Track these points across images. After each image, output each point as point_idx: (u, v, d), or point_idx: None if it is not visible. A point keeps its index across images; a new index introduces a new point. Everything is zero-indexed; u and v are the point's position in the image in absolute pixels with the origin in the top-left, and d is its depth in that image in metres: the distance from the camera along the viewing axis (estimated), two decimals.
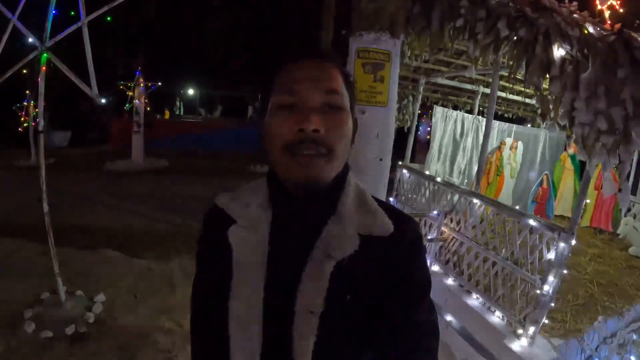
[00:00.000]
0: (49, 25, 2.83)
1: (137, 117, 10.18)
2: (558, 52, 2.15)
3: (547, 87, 2.33)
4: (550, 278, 3.07)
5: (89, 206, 6.80)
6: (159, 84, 10.06)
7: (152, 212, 6.66)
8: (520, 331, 3.20)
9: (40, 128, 3.14)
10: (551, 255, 3.12)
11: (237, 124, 15.86)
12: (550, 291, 3.10)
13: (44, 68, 2.89)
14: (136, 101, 9.79)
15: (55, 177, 8.22)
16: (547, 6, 2.26)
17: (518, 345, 3.13)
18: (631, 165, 1.99)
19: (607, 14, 4.11)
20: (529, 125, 7.86)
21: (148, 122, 10.73)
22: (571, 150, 6.58)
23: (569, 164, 6.64)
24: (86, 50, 2.88)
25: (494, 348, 3.27)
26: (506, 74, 4.31)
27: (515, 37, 2.32)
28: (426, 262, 0.83)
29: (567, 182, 6.65)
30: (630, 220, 5.50)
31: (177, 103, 16.49)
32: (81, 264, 4.22)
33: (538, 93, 2.32)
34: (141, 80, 9.87)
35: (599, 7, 4.13)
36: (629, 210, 5.95)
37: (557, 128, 2.39)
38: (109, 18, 8.71)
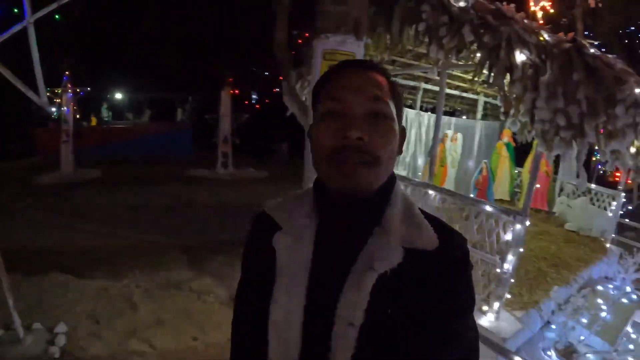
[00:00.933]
0: None
1: (65, 125, 9.36)
2: (519, 57, 2.37)
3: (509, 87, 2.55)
4: (510, 257, 3.37)
5: (22, 225, 6.19)
6: (88, 89, 9.34)
7: (92, 227, 6.24)
8: (485, 308, 3.49)
9: None
10: (509, 237, 3.43)
11: (168, 127, 15.33)
12: (510, 269, 3.41)
13: None
14: (64, 108, 8.98)
15: None
16: (507, 15, 2.47)
17: (486, 320, 3.41)
18: (585, 155, 2.27)
19: (539, 14, 4.55)
20: (464, 117, 8.42)
21: (77, 131, 9.93)
22: (506, 139, 7.16)
23: (504, 151, 7.20)
24: (32, 52, 2.61)
25: None
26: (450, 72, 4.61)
27: (478, 43, 2.50)
28: (471, 280, 0.80)
29: (504, 169, 7.22)
30: (565, 200, 6.14)
31: (104, 109, 15.43)
32: (31, 293, 3.86)
33: (502, 93, 2.53)
34: (69, 85, 9.09)
35: (533, 8, 4.54)
36: (561, 190, 6.63)
37: (518, 124, 2.62)
38: (57, 16, 7.88)
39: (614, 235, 5.64)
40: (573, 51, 2.24)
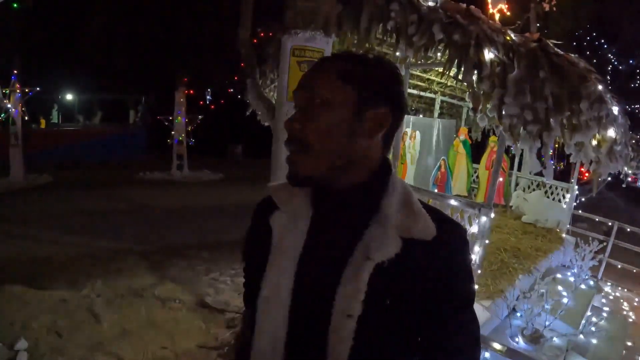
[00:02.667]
0: None
1: (13, 128, 8.76)
2: (488, 55, 2.46)
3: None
4: (476, 248, 3.48)
5: None
6: (37, 89, 8.77)
7: (46, 235, 5.91)
8: None
9: None
10: (474, 229, 3.55)
11: (120, 129, 14.84)
12: (478, 260, 3.52)
13: None
14: (13, 110, 8.38)
15: None
16: (475, 15, 2.56)
17: None
18: (550, 148, 2.40)
19: (497, 16, 4.76)
20: (421, 116, 8.63)
21: (26, 134, 9.33)
22: (462, 136, 7.42)
23: (461, 148, 7.43)
24: None
25: None
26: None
27: (448, 41, 2.58)
28: (471, 271, 0.81)
29: (461, 165, 7.44)
30: (521, 193, 6.44)
31: (54, 110, 14.57)
32: None
33: (471, 90, 2.62)
34: (18, 85, 8.50)
35: (491, 10, 4.74)
36: (517, 185, 6.95)
37: (486, 120, 2.72)
38: (15, 5, 7.27)
39: (568, 226, 5.98)
40: (539, 50, 2.37)
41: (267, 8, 4.34)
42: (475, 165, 7.65)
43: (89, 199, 8.26)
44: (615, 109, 2.89)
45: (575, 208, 6.29)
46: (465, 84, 2.70)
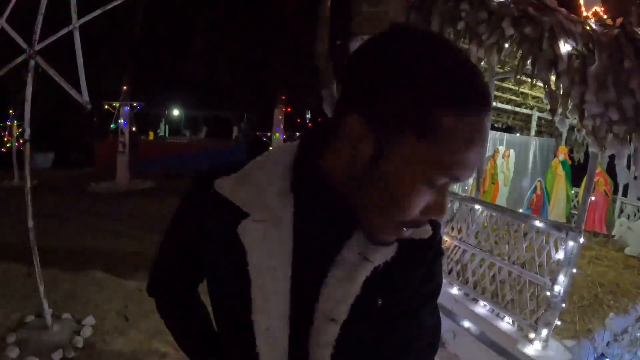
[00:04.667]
0: (38, 27, 2.70)
1: (122, 137, 9.99)
2: (564, 47, 2.16)
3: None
4: (561, 278, 3.03)
5: (74, 228, 6.58)
6: (144, 103, 9.93)
7: (139, 234, 6.45)
8: (532, 335, 3.14)
9: (27, 137, 2.98)
10: (560, 255, 3.10)
11: (223, 144, 15.89)
12: (562, 291, 3.06)
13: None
14: (121, 121, 9.60)
15: (39, 199, 8.02)
16: (549, 5, 2.28)
17: (532, 349, 3.07)
18: None
19: (592, 19, 4.22)
20: (518, 134, 8.02)
21: (134, 143, 10.57)
22: (562, 157, 6.71)
23: (560, 170, 6.74)
24: (77, 55, 2.77)
25: (508, 354, 3.21)
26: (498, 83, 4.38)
27: (520, 36, 2.33)
28: (442, 264, 0.79)
29: (560, 188, 6.74)
30: (625, 221, 5.63)
31: (162, 124, 16.37)
32: (68, 286, 4.01)
33: (547, 88, 2.32)
34: (127, 99, 9.74)
35: (585, 13, 4.26)
36: (621, 211, 6.08)
37: (566, 122, 2.38)
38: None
39: None
40: (622, 37, 2.00)
41: (343, 21, 4.43)
42: (576, 189, 6.87)
43: None
44: None
45: None
46: (541, 82, 2.40)
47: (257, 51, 10.04)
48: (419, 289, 0.71)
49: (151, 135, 15.01)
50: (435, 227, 0.72)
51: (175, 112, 16.95)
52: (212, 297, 0.74)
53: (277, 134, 11.62)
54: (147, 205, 8.54)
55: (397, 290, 0.68)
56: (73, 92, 2.84)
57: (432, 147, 0.53)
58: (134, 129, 10.21)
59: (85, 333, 3.21)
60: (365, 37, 2.29)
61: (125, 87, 9.56)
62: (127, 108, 9.64)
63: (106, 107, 9.65)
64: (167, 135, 16.67)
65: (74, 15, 2.77)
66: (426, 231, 0.69)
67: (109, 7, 2.85)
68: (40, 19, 2.67)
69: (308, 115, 17.24)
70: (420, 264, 0.71)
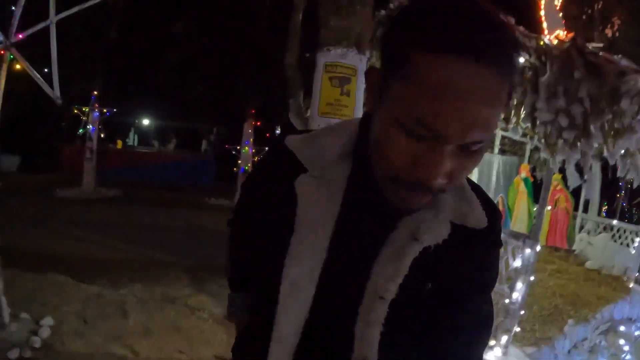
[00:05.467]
0: (16, 19, 2.65)
1: (90, 143, 9.77)
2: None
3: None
4: (519, 285, 3.15)
5: (37, 231, 6.44)
6: (114, 110, 9.75)
7: (103, 240, 6.39)
8: (492, 342, 3.22)
9: None
10: (517, 263, 3.23)
11: (191, 156, 15.73)
12: (519, 298, 3.18)
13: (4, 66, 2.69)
14: (90, 127, 9.39)
15: (3, 201, 7.80)
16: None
17: (492, 356, 3.16)
18: (591, 160, 2.14)
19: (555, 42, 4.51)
20: None
21: (100, 150, 10.34)
22: (524, 174, 7.00)
23: (522, 187, 7.01)
24: (52, 50, 2.75)
25: None
26: None
27: None
28: (499, 256, 0.77)
29: (522, 204, 6.99)
30: (585, 237, 5.92)
31: (131, 133, 16.07)
32: (27, 287, 3.87)
33: None
34: (96, 105, 9.54)
35: (548, 37, 4.54)
36: (582, 227, 6.37)
37: (519, 130, 2.53)
38: None
39: (637, 274, 5.30)
40: (573, 50, 2.17)
41: (315, 35, 4.54)
42: (538, 206, 7.14)
43: (151, 215, 8.71)
44: None
45: None
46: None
47: (230, 65, 10.11)
48: (473, 277, 0.69)
49: (119, 144, 14.69)
50: (494, 218, 0.71)
51: (146, 122, 16.70)
52: (254, 246, 0.81)
53: (247, 148, 11.60)
54: (112, 213, 8.42)
55: (447, 275, 0.67)
56: (45, 87, 2.80)
57: (405, 88, 0.53)
58: (102, 135, 9.99)
59: (43, 334, 3.11)
60: (332, 49, 2.38)
61: (96, 93, 9.38)
62: (96, 114, 9.43)
63: (75, 111, 9.42)
64: (135, 144, 16.37)
65: (52, 10, 2.76)
66: (479, 220, 0.68)
67: (86, 5, 2.85)
68: (19, 11, 2.64)
69: (277, 131, 17.32)
70: (473, 254, 0.69)
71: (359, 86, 3.11)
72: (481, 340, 0.73)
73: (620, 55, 2.22)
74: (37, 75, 2.87)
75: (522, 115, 2.35)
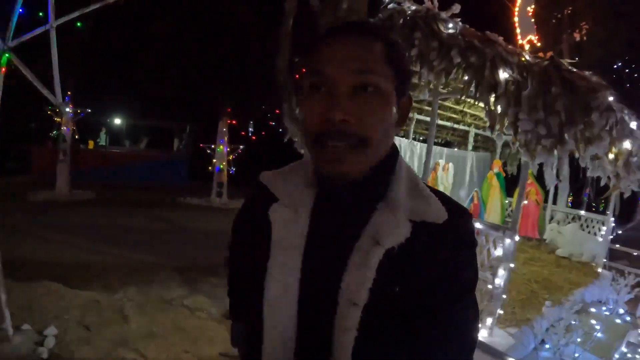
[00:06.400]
0: (13, 23, 2.63)
1: (63, 145, 9.49)
2: (502, 75, 2.58)
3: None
4: (501, 272, 3.44)
5: (19, 238, 6.26)
6: (89, 110, 9.50)
7: (86, 244, 6.33)
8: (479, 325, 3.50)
9: None
10: (499, 252, 3.52)
11: (164, 155, 15.53)
12: (502, 284, 3.47)
13: (3, 69, 2.67)
14: (64, 128, 9.11)
15: None
16: (491, 39, 2.71)
17: (479, 336, 3.43)
18: (566, 163, 2.45)
19: (527, 47, 4.84)
20: (456, 149, 8.65)
21: (74, 152, 10.05)
22: (496, 169, 7.35)
23: (495, 181, 7.32)
24: (52, 55, 2.75)
25: None
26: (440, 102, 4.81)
27: (465, 63, 2.72)
28: (476, 256, 0.77)
29: (495, 198, 7.31)
30: (555, 227, 6.26)
31: (102, 133, 15.64)
32: (23, 297, 3.85)
33: (487, 108, 2.72)
34: (71, 105, 9.27)
35: (520, 41, 4.84)
36: (552, 218, 6.76)
37: (503, 137, 2.79)
38: (79, 24, 8.10)
39: (605, 260, 5.72)
40: (550, 68, 2.46)
41: (305, 40, 4.63)
42: (510, 199, 7.53)
43: (129, 217, 8.64)
44: (634, 124, 2.89)
45: (614, 242, 6.02)
46: (483, 104, 2.81)
47: (206, 63, 10.03)
48: (444, 279, 0.69)
49: (91, 144, 14.30)
50: (459, 216, 0.74)
51: (117, 121, 16.29)
52: (231, 270, 0.90)
53: (221, 147, 11.56)
54: (90, 216, 8.31)
55: (416, 277, 0.68)
56: (46, 93, 2.81)
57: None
58: (77, 136, 9.71)
59: (49, 343, 3.12)
60: None
61: (69, 92, 9.09)
62: (70, 114, 9.16)
63: (49, 112, 9.10)
64: (107, 144, 15.97)
65: (52, 14, 2.75)
66: (437, 214, 0.71)
67: (88, 10, 2.86)
68: (16, 15, 2.63)
69: (251, 129, 17.22)
70: (437, 251, 0.70)
71: None
72: (456, 347, 0.71)
73: (591, 72, 2.53)
74: (38, 81, 2.87)
75: (506, 124, 2.62)
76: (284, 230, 0.74)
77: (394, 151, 0.78)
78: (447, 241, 0.71)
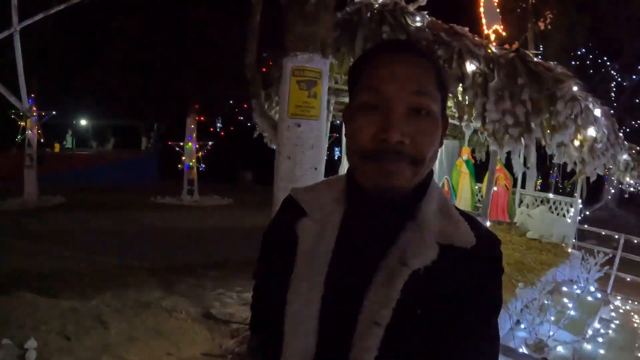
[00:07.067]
0: None
1: (29, 149, 9.14)
2: (470, 67, 2.65)
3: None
4: None
5: None
6: (54, 113, 9.17)
7: (57, 251, 6.16)
8: None
9: None
10: None
11: (133, 155, 15.22)
12: None
13: None
14: (29, 132, 8.76)
15: None
16: (459, 32, 2.77)
17: None
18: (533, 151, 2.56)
19: (492, 37, 4.97)
20: None
21: (40, 156, 9.70)
22: (465, 156, 7.52)
23: (464, 168, 7.47)
24: (17, 61, 2.65)
25: None
26: None
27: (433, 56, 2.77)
28: (501, 283, 0.77)
29: (465, 184, 7.46)
30: (525, 210, 6.46)
31: (68, 135, 15.13)
32: None
33: (455, 100, 2.80)
34: (34, 109, 8.90)
35: (486, 31, 4.95)
36: (521, 202, 6.97)
37: (471, 127, 2.88)
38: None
39: (574, 241, 5.96)
40: (517, 59, 2.56)
41: (272, 35, 4.60)
42: (479, 184, 7.72)
43: (100, 220, 8.48)
44: (598, 111, 3.05)
45: (582, 223, 6.27)
46: (451, 95, 2.88)
47: (171, 59, 9.83)
48: (468, 304, 0.69)
49: (57, 148, 13.81)
50: (487, 241, 0.74)
51: (82, 123, 15.77)
52: (257, 280, 0.90)
53: (190, 144, 11.41)
54: (61, 222, 8.11)
55: (434, 299, 0.68)
56: (12, 99, 2.71)
57: (361, 82, 0.73)
58: (42, 140, 9.37)
59: (31, 357, 3.06)
60: (299, 54, 2.61)
61: (33, 95, 8.72)
62: (34, 118, 8.80)
63: (12, 116, 8.71)
64: (74, 147, 15.47)
65: (16, 18, 2.63)
66: (465, 238, 0.71)
67: (52, 11, 2.76)
68: None
69: (219, 124, 17.01)
70: (465, 275, 0.70)
71: (324, 88, 3.30)
72: None
73: (555, 62, 2.64)
74: (4, 88, 2.76)
75: (474, 115, 2.70)
76: (310, 245, 0.74)
77: (430, 173, 0.78)
78: (474, 267, 0.71)
